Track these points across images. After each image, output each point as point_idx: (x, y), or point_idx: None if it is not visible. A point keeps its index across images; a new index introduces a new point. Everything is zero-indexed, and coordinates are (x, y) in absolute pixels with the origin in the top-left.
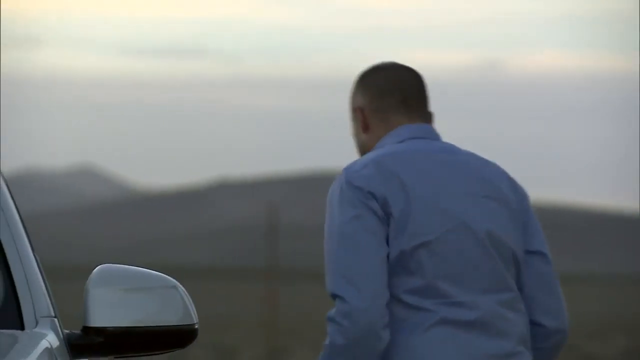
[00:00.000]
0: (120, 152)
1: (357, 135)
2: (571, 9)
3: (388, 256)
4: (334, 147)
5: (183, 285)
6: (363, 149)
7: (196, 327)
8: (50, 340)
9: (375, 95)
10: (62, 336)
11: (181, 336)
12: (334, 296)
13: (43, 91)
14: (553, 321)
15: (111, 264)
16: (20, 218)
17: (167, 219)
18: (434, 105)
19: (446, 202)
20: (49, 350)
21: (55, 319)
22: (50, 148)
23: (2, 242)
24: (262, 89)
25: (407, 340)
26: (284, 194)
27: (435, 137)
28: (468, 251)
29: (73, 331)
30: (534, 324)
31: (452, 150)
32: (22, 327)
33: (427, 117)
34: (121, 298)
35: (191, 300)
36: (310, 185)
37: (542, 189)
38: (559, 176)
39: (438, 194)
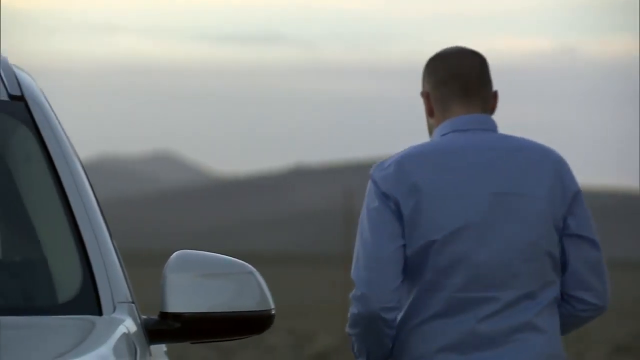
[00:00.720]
0: (197, 138)
1: (427, 119)
2: None
3: (406, 251)
4: (409, 133)
5: (259, 271)
6: (431, 132)
7: (272, 312)
8: (128, 325)
9: (438, 84)
10: (139, 321)
11: (257, 322)
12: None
13: (121, 77)
14: (593, 298)
15: (188, 250)
16: (98, 204)
17: (243, 205)
18: (510, 92)
19: (458, 202)
20: (126, 336)
21: (133, 305)
22: (128, 134)
23: (80, 228)
24: (338, 75)
25: (414, 330)
26: (360, 180)
27: (485, 127)
28: (475, 251)
29: (150, 317)
30: (573, 297)
31: (486, 145)
32: (100, 312)
33: (487, 101)
34: (198, 284)
35: (267, 286)
36: None
37: (624, 173)
38: None
39: (452, 194)
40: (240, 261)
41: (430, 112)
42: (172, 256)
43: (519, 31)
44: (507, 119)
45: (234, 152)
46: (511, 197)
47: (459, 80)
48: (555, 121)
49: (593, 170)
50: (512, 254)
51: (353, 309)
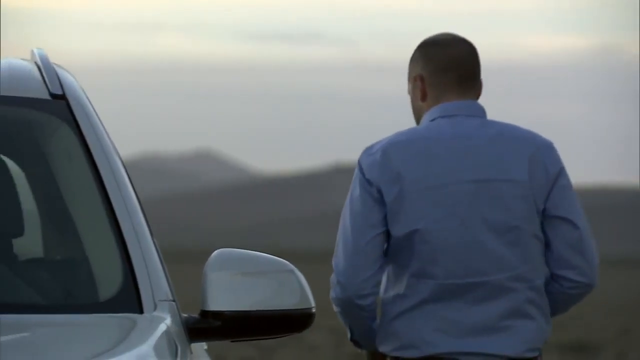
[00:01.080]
0: (238, 136)
1: (414, 102)
2: None
3: (388, 239)
4: None
5: (300, 269)
6: (418, 115)
7: (313, 311)
8: (169, 323)
9: (435, 71)
10: (180, 320)
11: (298, 320)
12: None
13: (163, 76)
14: (578, 276)
15: (229, 248)
16: (139, 202)
17: (284, 203)
18: (551, 90)
19: (441, 191)
20: (167, 334)
21: (174, 303)
22: (170, 133)
23: (121, 226)
24: (379, 73)
25: (402, 315)
26: None
27: (473, 113)
28: (458, 238)
29: (191, 315)
30: (558, 276)
31: (470, 133)
32: (140, 310)
33: (479, 89)
34: (238, 282)
35: (308, 284)
36: None
37: None
38: None
39: (434, 183)
40: (281, 259)
41: (423, 97)
42: (212, 254)
43: (557, 29)
44: (548, 116)
45: (275, 151)
46: (493, 184)
47: (458, 68)
48: (590, 119)
49: (634, 168)
50: (496, 240)
51: (332, 293)
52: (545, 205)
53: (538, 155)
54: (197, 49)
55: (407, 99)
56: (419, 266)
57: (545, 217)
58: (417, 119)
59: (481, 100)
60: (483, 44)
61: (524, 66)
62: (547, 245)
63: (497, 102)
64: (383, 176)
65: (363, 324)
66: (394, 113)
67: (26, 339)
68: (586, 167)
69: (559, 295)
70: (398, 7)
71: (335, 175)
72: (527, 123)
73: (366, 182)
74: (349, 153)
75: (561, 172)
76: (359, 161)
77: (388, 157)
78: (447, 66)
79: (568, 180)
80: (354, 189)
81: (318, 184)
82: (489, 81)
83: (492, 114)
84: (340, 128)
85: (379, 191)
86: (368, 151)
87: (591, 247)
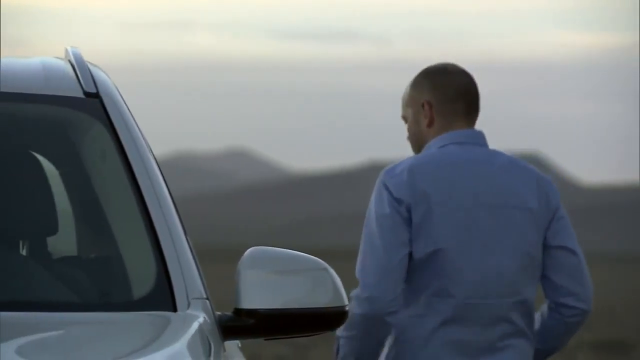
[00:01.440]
0: (272, 135)
1: (417, 127)
2: None
3: (411, 256)
4: (485, 130)
5: (333, 267)
6: (419, 140)
7: (346, 309)
8: (202, 321)
9: (445, 100)
10: (213, 318)
11: (331, 318)
12: (358, 279)
13: (196, 75)
14: (577, 302)
15: (262, 247)
16: (173, 201)
17: (317, 201)
18: (585, 88)
19: (464, 213)
20: (200, 332)
21: (207, 301)
22: (204, 131)
23: (155, 225)
24: (412, 72)
25: (420, 335)
26: None
27: (480, 142)
28: (479, 260)
29: (225, 313)
30: (558, 304)
31: (483, 159)
32: (174, 308)
33: (477, 118)
34: (272, 280)
35: (341, 283)
36: None
37: None
38: None
39: (458, 205)
40: (314, 257)
41: (429, 123)
42: (246, 253)
43: (590, 27)
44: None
45: (308, 149)
46: (509, 210)
47: (465, 99)
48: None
49: None
50: (512, 263)
51: (357, 310)
52: (546, 235)
53: (542, 186)
54: (231, 47)
55: None
56: (440, 285)
57: (544, 246)
58: (418, 144)
59: (523, 96)
60: (517, 44)
61: (563, 63)
62: (545, 275)
63: (540, 98)
64: (413, 196)
65: (375, 347)
66: None
67: (60, 337)
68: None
69: (559, 326)
70: (432, 5)
71: (368, 173)
72: (571, 120)
73: (395, 201)
74: (383, 151)
75: (560, 203)
76: (383, 182)
77: (415, 177)
78: (456, 95)
79: (565, 211)
80: (382, 207)
81: (351, 182)
82: (525, 79)
83: (545, 111)
84: (373, 126)
85: (408, 210)
86: (391, 172)
87: (587, 274)
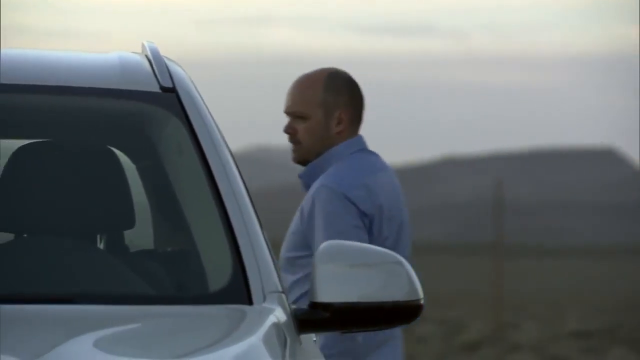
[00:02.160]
0: None
1: (325, 130)
2: None
3: None
4: (560, 124)
5: (409, 261)
6: (324, 143)
7: (421, 302)
8: (278, 315)
9: (356, 106)
10: (289, 311)
11: (406, 312)
12: None
13: (272, 69)
14: None
15: (338, 240)
16: (249, 195)
17: None
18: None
19: (396, 221)
20: (276, 325)
21: (283, 295)
22: (279, 125)
23: (231, 218)
24: (489, 66)
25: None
26: (510, 170)
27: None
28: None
29: (300, 306)
30: None
31: (383, 165)
32: (250, 302)
33: None
34: (347, 274)
35: (417, 276)
36: (536, 162)
37: None
38: None
39: (392, 214)
40: (390, 251)
41: (344, 130)
42: (321, 247)
43: None
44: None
45: (384, 143)
46: (404, 211)
47: (363, 107)
48: None
49: None
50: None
51: None
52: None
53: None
54: (307, 41)
55: (519, 92)
56: None
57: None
58: (323, 146)
59: (598, 89)
60: (590, 38)
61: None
62: None
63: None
64: (373, 208)
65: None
66: (502, 106)
67: (137, 330)
68: None
69: None
70: None
71: (444, 167)
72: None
73: (362, 214)
74: (459, 145)
75: None
76: (344, 194)
77: (373, 191)
78: (361, 103)
79: None
80: (347, 219)
81: (427, 176)
82: (600, 71)
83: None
84: (449, 120)
85: (371, 222)
86: (351, 185)
87: None
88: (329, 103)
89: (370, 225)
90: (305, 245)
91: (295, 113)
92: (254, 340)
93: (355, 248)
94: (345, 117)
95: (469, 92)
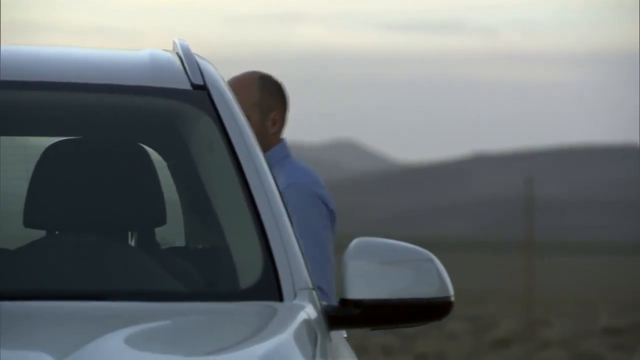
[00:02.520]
0: (378, 126)
1: (264, 131)
2: None
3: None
4: (590, 121)
5: (439, 258)
6: (265, 144)
7: (452, 299)
8: (309, 311)
9: (286, 111)
10: (319, 308)
11: (437, 309)
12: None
13: (304, 67)
14: None
15: (368, 237)
16: (279, 192)
17: (423, 192)
18: None
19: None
20: (307, 322)
21: (313, 291)
22: (310, 123)
23: (262, 216)
24: (518, 63)
25: None
26: (539, 168)
27: None
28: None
29: (330, 304)
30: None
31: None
32: (281, 299)
33: None
34: (378, 271)
35: (447, 273)
36: (566, 159)
37: None
38: None
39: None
40: (420, 248)
41: (278, 131)
42: (352, 243)
43: None
44: None
45: (414, 140)
46: None
47: (288, 110)
48: None
49: None
50: None
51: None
52: None
53: None
54: (338, 39)
55: (547, 88)
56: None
57: None
58: (263, 146)
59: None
60: (617, 35)
61: None
62: None
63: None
64: (333, 207)
65: None
66: (532, 102)
67: (169, 326)
68: None
69: None
70: None
71: (473, 164)
72: None
73: (331, 213)
74: (488, 142)
75: None
76: (317, 194)
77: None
78: (288, 106)
79: None
80: (322, 218)
81: (457, 173)
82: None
83: None
84: (479, 117)
85: (333, 221)
86: (320, 184)
87: None
88: (263, 104)
89: (332, 224)
90: None
91: None
92: (285, 337)
93: (385, 245)
94: (279, 119)
95: (498, 89)
